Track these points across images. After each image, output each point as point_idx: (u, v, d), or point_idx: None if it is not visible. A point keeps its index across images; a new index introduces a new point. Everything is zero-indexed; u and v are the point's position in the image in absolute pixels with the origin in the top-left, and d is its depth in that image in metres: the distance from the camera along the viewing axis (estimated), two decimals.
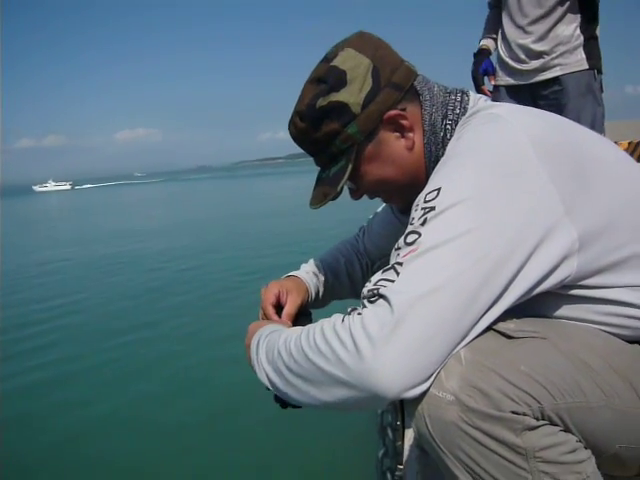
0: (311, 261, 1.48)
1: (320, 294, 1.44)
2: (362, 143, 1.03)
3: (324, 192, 1.08)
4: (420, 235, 0.82)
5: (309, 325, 0.90)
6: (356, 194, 1.14)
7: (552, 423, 0.79)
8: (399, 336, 0.76)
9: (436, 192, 0.85)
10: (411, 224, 0.86)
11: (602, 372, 0.83)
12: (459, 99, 1.04)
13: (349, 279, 1.49)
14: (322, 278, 1.44)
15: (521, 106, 1.01)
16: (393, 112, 1.01)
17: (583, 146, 0.93)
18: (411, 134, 1.04)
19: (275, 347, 0.93)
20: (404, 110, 1.02)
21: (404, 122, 1.02)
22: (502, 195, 0.82)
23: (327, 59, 1.04)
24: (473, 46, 2.85)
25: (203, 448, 3.78)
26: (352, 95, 1.00)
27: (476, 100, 1.05)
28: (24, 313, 7.87)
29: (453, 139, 0.99)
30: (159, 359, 5.58)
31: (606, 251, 0.86)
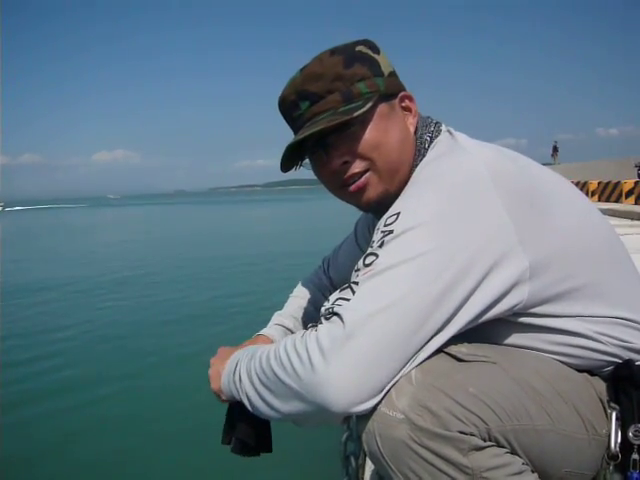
0: (279, 314, 1.45)
1: None
2: (381, 98, 1.02)
3: (330, 119, 0.97)
4: (377, 256, 0.85)
5: (281, 340, 0.92)
6: (337, 160, 1.02)
7: (499, 445, 0.81)
8: (348, 351, 0.79)
9: (395, 216, 0.88)
10: (371, 247, 0.89)
11: (549, 397, 0.85)
12: (434, 121, 1.10)
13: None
14: (294, 328, 1.40)
15: (481, 141, 1.04)
16: (409, 93, 1.08)
17: (538, 180, 0.97)
18: (412, 120, 1.08)
19: (253, 360, 0.94)
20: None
21: (412, 106, 1.08)
22: (458, 222, 0.85)
23: None
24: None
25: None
26: (383, 61, 1.05)
27: (445, 129, 1.09)
28: None
29: (419, 166, 1.02)
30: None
31: (557, 280, 0.89)
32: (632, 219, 10.45)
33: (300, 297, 1.49)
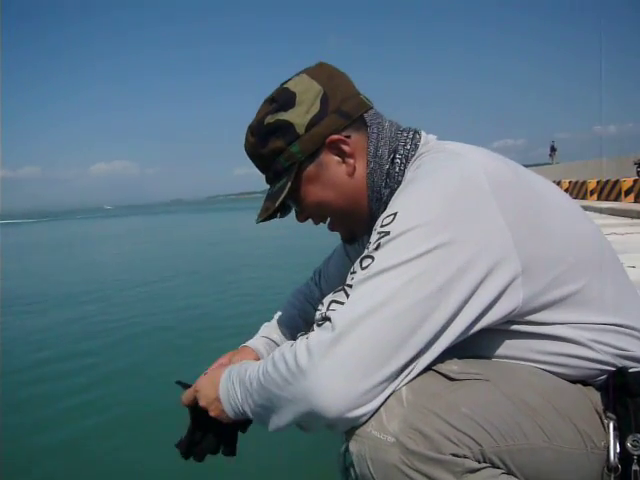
0: (266, 325, 1.45)
1: None
2: (303, 163, 1.04)
3: (266, 207, 1.08)
4: (373, 259, 0.84)
5: (268, 357, 0.91)
6: (300, 216, 1.14)
7: (494, 466, 0.80)
8: (336, 351, 0.78)
9: (392, 217, 0.86)
10: (367, 248, 0.87)
11: (544, 413, 0.84)
12: (410, 136, 1.05)
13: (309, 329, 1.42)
14: (280, 340, 1.40)
15: (475, 146, 1.02)
16: (335, 137, 1.02)
17: (531, 185, 0.96)
18: (352, 160, 1.04)
19: (242, 384, 0.93)
20: (348, 137, 1.03)
21: (345, 147, 1.03)
22: (455, 225, 0.83)
23: (283, 82, 1.08)
24: None
25: None
26: (298, 116, 1.02)
27: (427, 139, 1.06)
28: None
29: (412, 168, 1.00)
30: None
31: (551, 286, 0.88)
32: (632, 217, 10.44)
33: (289, 308, 1.49)
